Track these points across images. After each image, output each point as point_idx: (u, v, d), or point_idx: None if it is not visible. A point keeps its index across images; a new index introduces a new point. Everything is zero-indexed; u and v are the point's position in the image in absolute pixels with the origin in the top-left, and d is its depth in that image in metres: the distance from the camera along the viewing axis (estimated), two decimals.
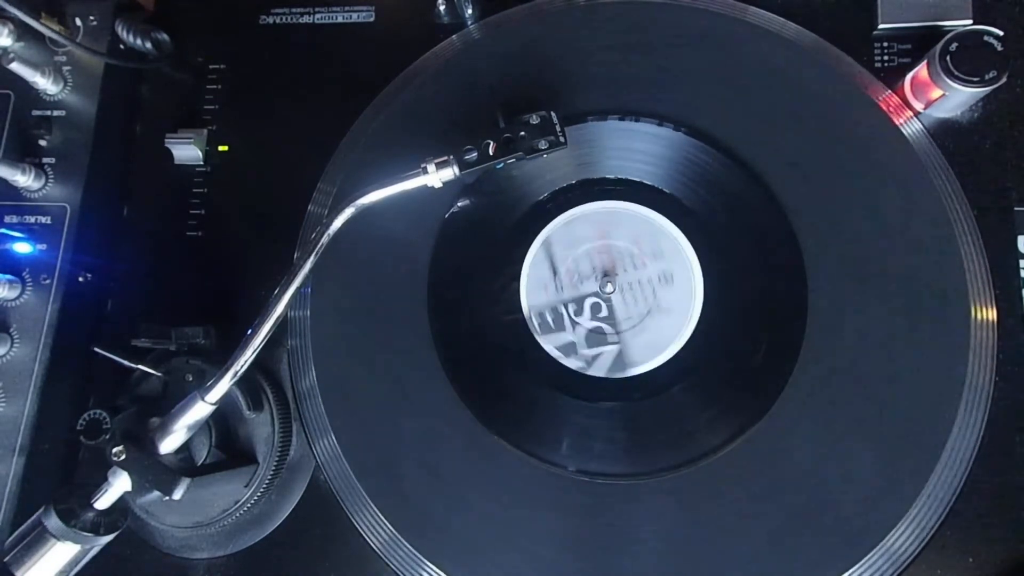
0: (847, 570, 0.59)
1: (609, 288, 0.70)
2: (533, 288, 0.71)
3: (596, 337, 0.69)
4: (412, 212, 0.69)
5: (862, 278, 0.65)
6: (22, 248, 0.70)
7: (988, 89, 0.64)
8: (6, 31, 0.72)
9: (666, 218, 0.71)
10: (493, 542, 0.63)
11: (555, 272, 0.70)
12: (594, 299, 0.70)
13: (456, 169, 0.62)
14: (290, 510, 0.68)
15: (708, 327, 0.69)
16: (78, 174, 0.73)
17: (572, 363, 0.69)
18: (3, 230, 0.71)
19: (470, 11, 0.77)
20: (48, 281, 0.70)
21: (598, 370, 0.69)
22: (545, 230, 0.72)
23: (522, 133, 0.63)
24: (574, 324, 0.69)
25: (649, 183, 0.73)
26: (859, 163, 0.67)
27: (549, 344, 0.69)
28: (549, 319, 0.70)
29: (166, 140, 0.76)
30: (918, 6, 0.71)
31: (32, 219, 0.72)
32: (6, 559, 0.54)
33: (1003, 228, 0.66)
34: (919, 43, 0.71)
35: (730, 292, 0.69)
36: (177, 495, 0.56)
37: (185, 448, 0.60)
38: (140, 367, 0.65)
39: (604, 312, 0.70)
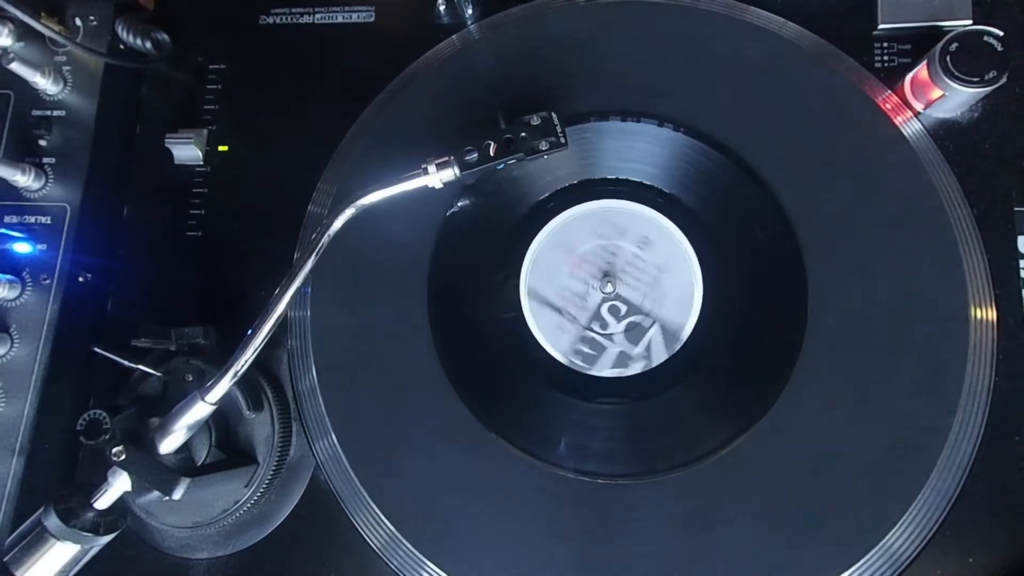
0: (847, 570, 0.59)
1: (610, 287, 0.70)
2: (551, 335, 0.70)
3: (635, 333, 0.69)
4: (412, 212, 0.69)
5: (862, 278, 0.65)
6: (22, 248, 0.70)
7: (988, 89, 0.64)
8: (6, 31, 0.72)
9: (666, 218, 0.71)
10: (493, 542, 0.63)
11: (559, 311, 0.70)
12: (606, 304, 0.70)
13: (457, 170, 0.62)
14: (290, 510, 0.68)
15: (707, 327, 0.69)
16: (78, 174, 0.73)
17: (637, 368, 0.69)
18: (3, 230, 0.71)
19: (470, 11, 0.77)
20: (48, 281, 0.70)
21: (659, 356, 0.69)
22: (523, 276, 0.72)
23: (523, 134, 0.63)
24: (609, 337, 0.69)
25: (649, 183, 0.73)
26: (859, 163, 0.67)
27: (604, 370, 0.69)
28: (587, 350, 0.69)
29: (166, 140, 0.76)
30: (918, 6, 0.71)
31: (32, 219, 0.72)
32: (6, 559, 0.55)
33: (1003, 228, 0.66)
34: (919, 43, 0.71)
35: (729, 292, 0.69)
36: (177, 495, 0.56)
37: (185, 448, 0.60)
38: (140, 367, 0.65)
39: (623, 308, 0.70)
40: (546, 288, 0.71)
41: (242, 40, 0.80)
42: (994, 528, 0.61)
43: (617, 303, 0.70)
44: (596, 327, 0.70)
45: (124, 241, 0.76)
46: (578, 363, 0.69)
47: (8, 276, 0.69)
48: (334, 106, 0.76)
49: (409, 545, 0.64)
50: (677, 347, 0.69)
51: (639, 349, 0.69)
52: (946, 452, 0.60)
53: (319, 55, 0.79)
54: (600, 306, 0.70)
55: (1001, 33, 0.64)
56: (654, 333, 0.69)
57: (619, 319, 0.70)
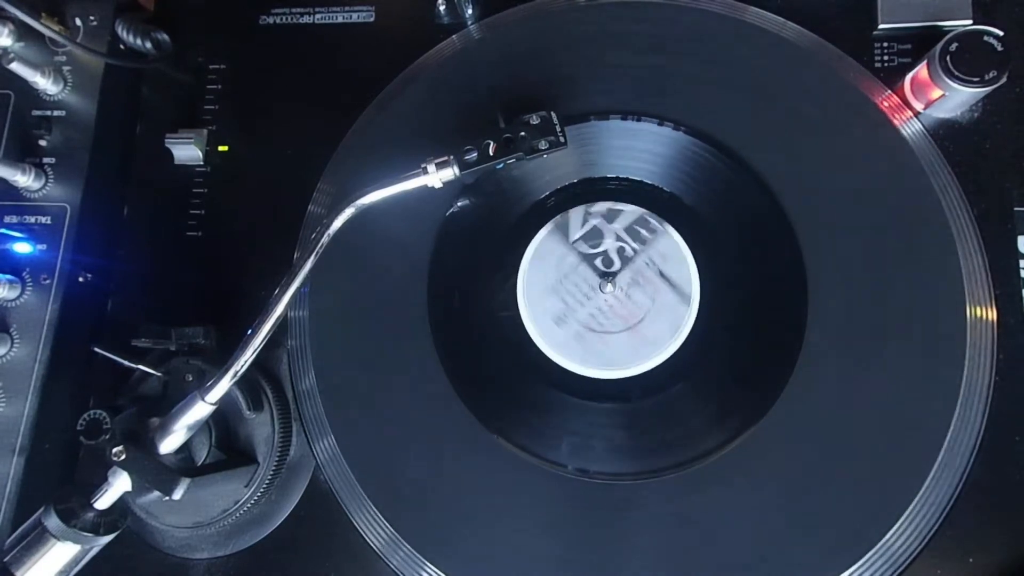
0: (847, 570, 0.59)
1: (609, 288, 0.70)
2: (544, 324, 0.70)
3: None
4: (412, 212, 0.69)
5: (861, 278, 0.65)
6: (22, 248, 0.70)
7: (988, 89, 0.64)
8: (6, 31, 0.72)
9: (665, 218, 0.71)
10: (493, 542, 0.63)
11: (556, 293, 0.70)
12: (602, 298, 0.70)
13: (456, 169, 0.62)
14: (290, 510, 0.68)
15: (707, 326, 0.69)
16: (78, 174, 0.73)
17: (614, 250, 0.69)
18: (3, 230, 0.71)
19: (470, 11, 0.77)
20: (48, 281, 0.70)
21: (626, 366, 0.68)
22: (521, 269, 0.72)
23: (522, 133, 0.63)
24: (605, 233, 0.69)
25: (649, 183, 0.73)
26: (859, 163, 0.67)
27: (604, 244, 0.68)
28: (586, 233, 0.69)
29: (166, 140, 0.76)
30: (918, 6, 0.71)
31: (32, 219, 0.72)
32: (6, 559, 0.54)
33: (1003, 228, 0.66)
34: (919, 43, 0.71)
35: (729, 291, 0.69)
36: (177, 495, 0.56)
37: (185, 448, 0.60)
38: (140, 367, 0.65)
39: (611, 310, 0.70)
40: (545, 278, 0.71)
41: (242, 40, 0.80)
42: (994, 528, 0.61)
43: (611, 301, 0.70)
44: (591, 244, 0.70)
45: (124, 241, 0.76)
46: (576, 236, 0.69)
47: (8, 276, 0.69)
48: (334, 106, 0.76)
49: (409, 545, 0.64)
50: (646, 367, 0.68)
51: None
52: (946, 452, 0.60)
53: (319, 55, 0.79)
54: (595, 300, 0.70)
55: (1001, 33, 0.64)
56: (626, 344, 0.69)
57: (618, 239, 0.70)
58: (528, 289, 0.71)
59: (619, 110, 0.72)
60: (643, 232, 0.71)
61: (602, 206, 0.71)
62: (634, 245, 0.71)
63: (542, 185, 0.74)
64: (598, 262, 0.71)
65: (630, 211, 0.71)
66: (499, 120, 0.67)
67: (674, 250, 0.71)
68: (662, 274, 0.70)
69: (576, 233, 0.71)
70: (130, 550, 0.68)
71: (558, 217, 0.72)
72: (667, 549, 0.62)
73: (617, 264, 0.70)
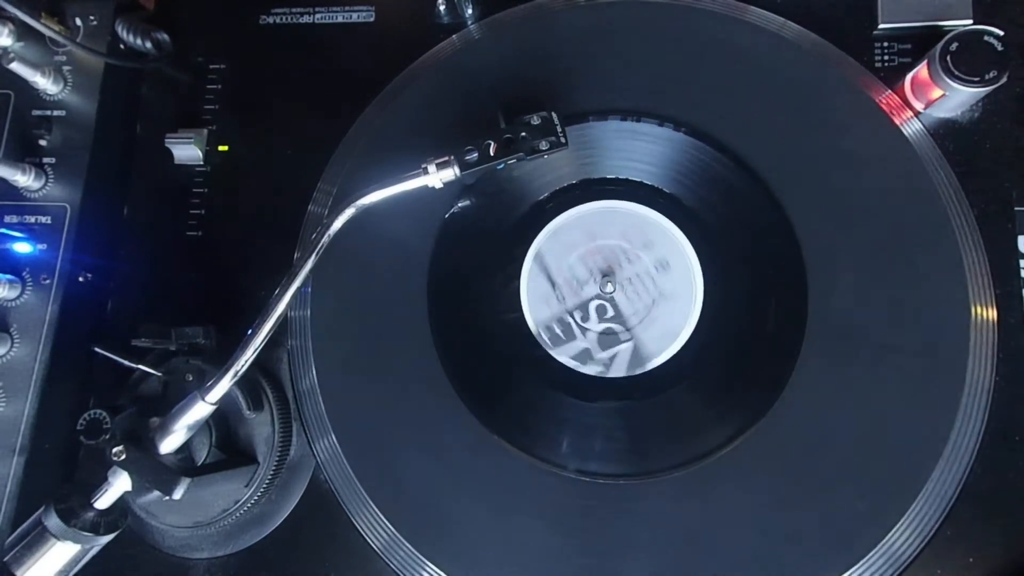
0: (847, 570, 0.59)
1: (610, 288, 0.70)
2: (535, 303, 0.71)
3: (608, 339, 0.69)
4: (412, 212, 0.69)
5: (861, 278, 0.65)
6: (22, 248, 0.70)
7: (988, 89, 0.64)
8: (6, 31, 0.72)
9: (666, 217, 0.71)
10: (493, 542, 0.63)
11: (553, 284, 0.70)
12: (598, 301, 0.70)
13: (457, 170, 0.62)
14: (290, 510, 0.68)
15: (708, 326, 0.69)
16: (78, 174, 0.73)
17: (591, 369, 0.69)
18: (3, 230, 0.71)
19: (470, 11, 0.77)
20: (48, 281, 0.70)
21: (618, 370, 0.69)
22: (535, 242, 0.72)
23: (523, 134, 0.63)
24: (584, 331, 0.69)
25: (649, 183, 0.73)
26: (859, 163, 0.67)
27: (563, 355, 0.69)
28: (558, 331, 0.70)
29: (166, 140, 0.76)
30: (918, 6, 0.71)
31: (32, 219, 0.72)
32: (6, 558, 0.55)
33: (1003, 228, 0.66)
34: (919, 43, 0.71)
35: (730, 291, 0.69)
36: (177, 495, 0.56)
37: (185, 448, 0.60)
38: (140, 367, 0.65)
39: (610, 312, 0.70)
40: (556, 259, 0.71)
41: (242, 40, 0.80)
42: (994, 528, 0.61)
43: (607, 305, 0.70)
44: (577, 316, 0.70)
45: (124, 241, 0.76)
46: (543, 339, 0.70)
47: (8, 276, 0.69)
48: (334, 106, 0.76)
49: (409, 545, 0.64)
50: (639, 371, 0.69)
51: (603, 355, 0.69)
52: (946, 452, 0.60)
53: (319, 55, 0.78)
54: (591, 300, 0.70)
55: (1001, 33, 0.64)
56: (624, 349, 0.69)
57: (601, 320, 0.70)
58: (531, 304, 0.71)
59: (619, 110, 0.72)
60: (645, 234, 0.71)
61: (605, 212, 0.72)
62: (636, 248, 0.71)
63: (542, 185, 0.74)
64: (595, 264, 0.71)
65: (633, 217, 0.71)
66: (500, 120, 0.67)
67: (674, 249, 0.71)
68: (660, 264, 0.70)
69: (571, 241, 0.71)
70: (130, 550, 0.68)
71: (556, 223, 0.72)
72: (667, 549, 0.62)
73: (616, 263, 0.70)
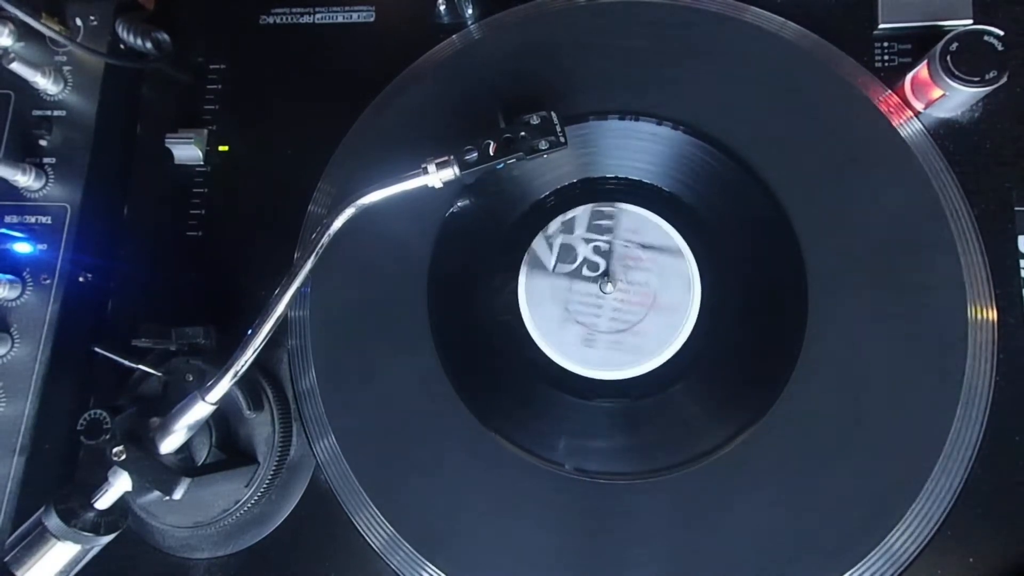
0: (847, 570, 0.59)
1: (609, 288, 0.70)
2: (533, 300, 0.70)
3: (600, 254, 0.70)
4: (412, 212, 0.69)
5: (862, 278, 0.65)
6: (22, 248, 0.70)
7: (988, 89, 0.64)
8: (6, 31, 0.72)
9: (664, 218, 0.71)
10: (493, 542, 0.63)
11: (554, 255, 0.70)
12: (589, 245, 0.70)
13: (456, 169, 0.62)
14: (290, 510, 0.68)
15: (707, 326, 0.69)
16: (78, 174, 0.73)
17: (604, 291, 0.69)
18: (3, 230, 0.71)
19: (470, 11, 0.77)
20: (48, 281, 0.70)
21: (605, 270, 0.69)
22: (535, 242, 0.72)
23: (522, 133, 0.63)
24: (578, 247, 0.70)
25: (648, 182, 0.73)
26: (859, 163, 0.67)
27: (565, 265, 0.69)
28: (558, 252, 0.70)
29: (166, 140, 0.76)
30: (918, 6, 0.71)
31: (32, 219, 0.72)
32: (6, 559, 0.55)
33: (1003, 228, 0.66)
34: (919, 43, 0.71)
35: (729, 291, 0.69)
36: (177, 495, 0.56)
37: (185, 448, 0.60)
38: (140, 367, 0.65)
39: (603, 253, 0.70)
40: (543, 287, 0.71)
41: (242, 40, 0.80)
42: (994, 528, 0.61)
43: (601, 245, 0.70)
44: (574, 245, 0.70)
45: (124, 241, 0.76)
46: (547, 264, 0.70)
47: (8, 276, 0.69)
48: (334, 106, 0.76)
49: (409, 545, 0.64)
50: (641, 369, 0.69)
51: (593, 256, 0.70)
52: (946, 452, 0.60)
53: (319, 55, 0.79)
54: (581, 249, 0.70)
55: (1001, 33, 0.64)
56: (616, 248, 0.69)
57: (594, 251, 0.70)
58: (529, 291, 0.71)
59: (618, 110, 0.72)
60: (604, 223, 0.71)
61: (555, 223, 0.72)
62: (604, 237, 0.71)
63: (542, 185, 0.74)
64: (585, 271, 0.71)
65: (580, 212, 0.72)
66: (499, 120, 0.67)
67: (673, 249, 0.71)
68: (644, 245, 0.70)
69: (550, 260, 0.71)
70: (130, 550, 0.68)
71: (526, 256, 0.72)
72: (667, 549, 0.62)
73: (602, 263, 0.70)
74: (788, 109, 0.69)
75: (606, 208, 0.71)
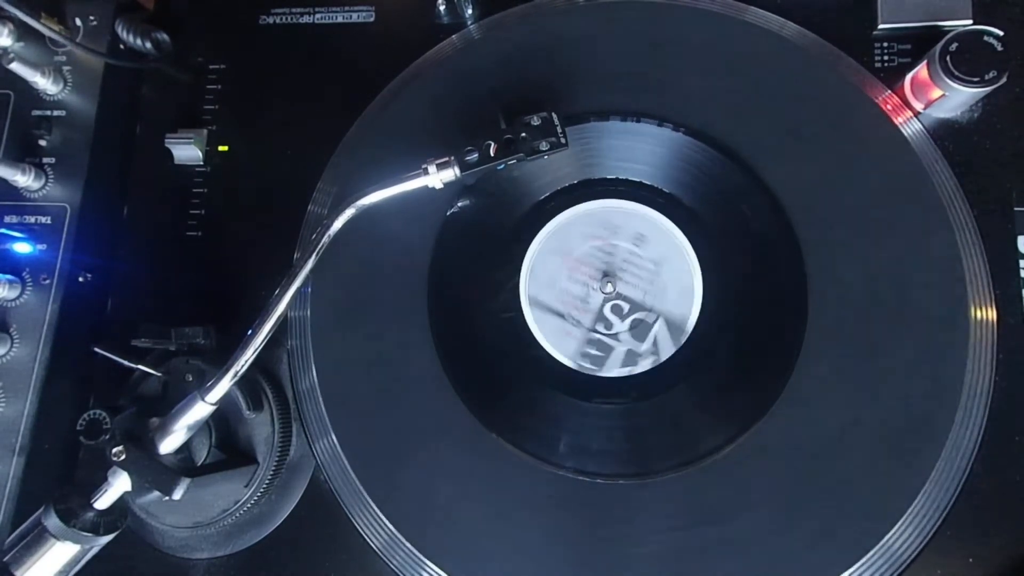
0: (847, 570, 0.59)
1: (610, 288, 0.70)
2: (557, 341, 0.70)
3: (641, 329, 0.69)
4: (412, 212, 0.69)
5: (862, 278, 0.65)
6: (22, 248, 0.70)
7: (988, 89, 0.64)
8: (6, 31, 0.72)
9: (666, 217, 0.71)
10: (493, 542, 0.63)
11: (563, 316, 0.70)
12: (608, 303, 0.70)
13: (457, 170, 0.62)
14: (290, 510, 0.68)
15: (707, 326, 0.69)
16: (78, 174, 0.73)
17: (646, 364, 0.68)
18: (3, 230, 0.71)
19: (470, 11, 0.77)
20: (48, 281, 0.70)
21: (667, 350, 0.68)
22: (523, 276, 0.72)
23: (523, 134, 0.63)
24: (616, 337, 0.69)
25: (649, 183, 0.73)
26: (859, 163, 0.67)
27: (613, 370, 0.69)
28: (595, 352, 0.69)
29: (166, 140, 0.76)
30: (918, 6, 0.71)
31: (32, 219, 0.72)
32: (6, 559, 0.55)
33: (1003, 228, 0.66)
34: (919, 43, 0.71)
35: (730, 292, 0.69)
36: (177, 495, 0.56)
37: (185, 448, 0.60)
38: (140, 367, 0.65)
39: (626, 307, 0.70)
40: (547, 294, 0.71)
41: (242, 40, 0.80)
42: (994, 528, 0.61)
43: (619, 302, 0.70)
44: (601, 328, 0.69)
45: (124, 241, 0.76)
46: (587, 366, 0.69)
47: (8, 276, 0.69)
48: (334, 106, 0.76)
49: (409, 545, 0.64)
50: (684, 339, 0.69)
51: (646, 345, 0.69)
52: (946, 452, 0.60)
53: (319, 55, 0.79)
54: (603, 307, 0.70)
55: (1001, 33, 0.64)
56: (659, 327, 0.69)
57: (623, 318, 0.69)
58: (530, 296, 0.71)
59: (619, 110, 0.71)
60: (644, 234, 0.71)
61: (604, 213, 0.72)
62: (633, 247, 0.71)
63: (542, 186, 0.74)
64: (597, 263, 0.71)
65: (633, 217, 0.71)
66: (500, 121, 0.67)
67: (674, 249, 0.71)
68: (662, 273, 0.70)
69: (576, 236, 0.71)
70: (130, 550, 0.68)
71: (556, 221, 0.72)
72: (667, 549, 0.62)
73: (616, 263, 0.71)
74: (788, 109, 0.69)
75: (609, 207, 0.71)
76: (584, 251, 0.71)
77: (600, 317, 0.70)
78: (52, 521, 0.54)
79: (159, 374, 0.64)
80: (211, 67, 0.79)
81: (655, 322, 0.69)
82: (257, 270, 0.73)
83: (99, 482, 0.56)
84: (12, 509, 0.66)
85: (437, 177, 0.61)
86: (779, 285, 0.67)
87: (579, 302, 0.71)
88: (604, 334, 0.69)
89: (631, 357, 0.69)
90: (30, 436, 0.67)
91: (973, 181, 0.67)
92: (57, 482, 0.69)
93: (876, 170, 0.67)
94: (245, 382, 0.63)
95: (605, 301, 0.70)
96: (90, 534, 0.55)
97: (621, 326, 0.69)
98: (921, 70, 0.67)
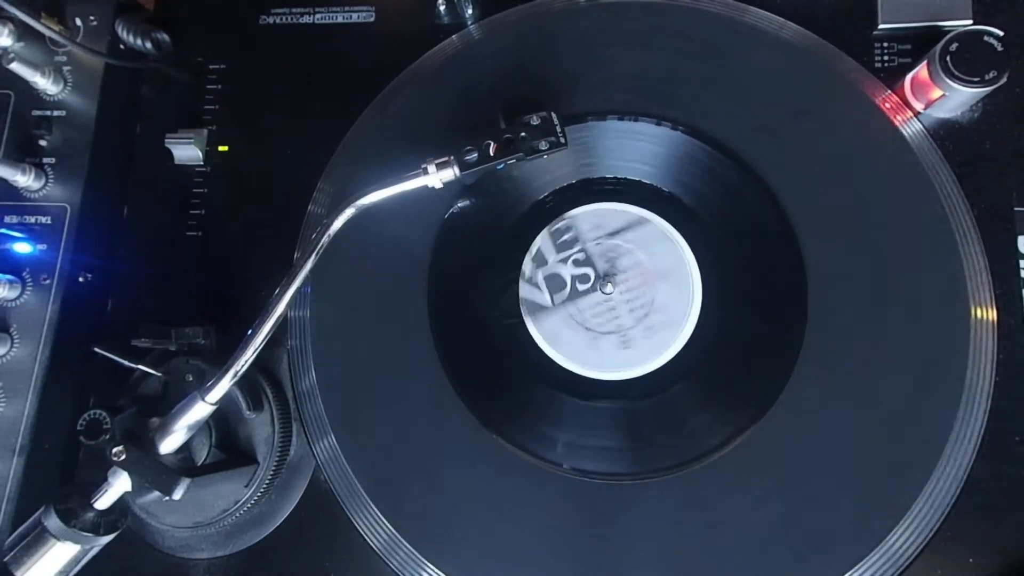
0: (847, 570, 0.59)
1: (609, 288, 0.70)
2: (557, 341, 0.70)
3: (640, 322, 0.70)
4: (412, 212, 0.69)
5: (861, 277, 0.65)
6: (22, 248, 0.70)
7: (988, 89, 0.64)
8: (6, 31, 0.72)
9: (663, 218, 0.71)
10: (492, 542, 0.63)
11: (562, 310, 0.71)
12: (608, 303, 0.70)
13: (457, 170, 0.62)
14: (290, 510, 0.68)
15: (707, 327, 0.69)
16: (78, 174, 0.73)
17: (646, 365, 0.68)
18: (3, 230, 0.71)
19: (470, 11, 0.77)
20: (48, 281, 0.70)
21: (666, 350, 0.68)
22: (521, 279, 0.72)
23: (523, 134, 0.63)
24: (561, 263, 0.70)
25: (648, 182, 0.73)
26: (859, 163, 0.67)
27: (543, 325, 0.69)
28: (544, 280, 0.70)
29: (166, 140, 0.76)
30: (918, 6, 0.71)
31: (32, 219, 0.72)
32: (6, 559, 0.54)
33: (1003, 228, 0.66)
34: (919, 43, 0.71)
35: (729, 291, 0.69)
36: (177, 495, 0.56)
37: (185, 448, 0.60)
38: (140, 367, 0.65)
39: (626, 306, 0.70)
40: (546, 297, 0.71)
41: (242, 40, 0.80)
42: (994, 528, 0.61)
43: (619, 302, 0.70)
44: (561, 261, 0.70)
45: (124, 241, 0.76)
46: (540, 287, 0.70)
47: (8, 276, 0.69)
48: (334, 106, 0.76)
49: (409, 545, 0.64)
50: (683, 339, 0.69)
51: (644, 341, 0.69)
52: (946, 452, 0.60)
53: (319, 55, 0.79)
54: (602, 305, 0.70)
55: (1001, 33, 0.64)
56: (659, 327, 0.69)
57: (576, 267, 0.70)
58: (545, 333, 0.71)
59: (618, 110, 0.71)
60: (566, 237, 0.71)
61: (527, 265, 0.72)
62: (575, 249, 0.71)
63: (542, 185, 0.74)
64: (579, 286, 0.71)
65: (540, 241, 0.72)
66: (499, 120, 0.67)
67: (673, 250, 0.71)
68: (660, 274, 0.70)
69: (545, 298, 0.71)
70: (130, 550, 0.68)
71: (523, 307, 0.71)
72: (667, 549, 0.62)
73: (590, 270, 0.71)
74: (788, 109, 0.69)
75: (559, 224, 0.71)
76: (584, 251, 0.71)
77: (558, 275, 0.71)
78: (52, 521, 0.54)
79: (159, 374, 0.64)
80: (211, 67, 0.79)
81: (654, 322, 0.69)
82: (257, 270, 0.73)
83: (99, 482, 0.56)
84: (12, 509, 0.66)
85: (437, 177, 0.61)
86: (778, 285, 0.67)
87: (579, 301, 0.71)
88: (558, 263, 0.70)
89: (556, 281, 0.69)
90: (30, 436, 0.67)
91: (973, 181, 0.67)
92: (57, 482, 0.69)
93: (876, 170, 0.66)
94: (245, 382, 0.63)
95: (605, 301, 0.70)
96: (90, 534, 0.55)
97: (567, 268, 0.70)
98: (921, 70, 0.67)
